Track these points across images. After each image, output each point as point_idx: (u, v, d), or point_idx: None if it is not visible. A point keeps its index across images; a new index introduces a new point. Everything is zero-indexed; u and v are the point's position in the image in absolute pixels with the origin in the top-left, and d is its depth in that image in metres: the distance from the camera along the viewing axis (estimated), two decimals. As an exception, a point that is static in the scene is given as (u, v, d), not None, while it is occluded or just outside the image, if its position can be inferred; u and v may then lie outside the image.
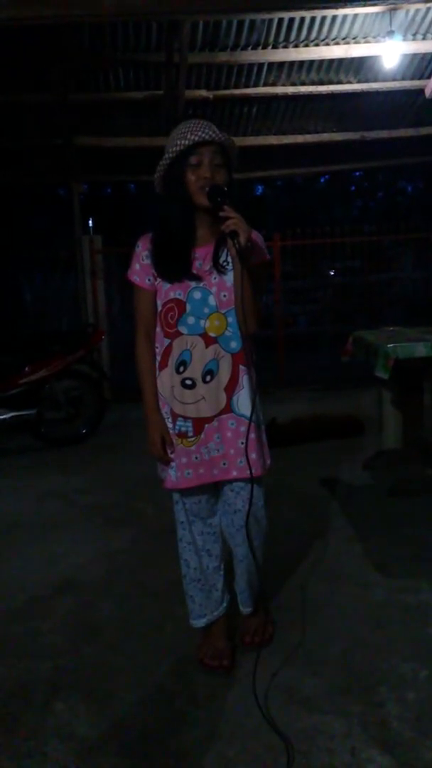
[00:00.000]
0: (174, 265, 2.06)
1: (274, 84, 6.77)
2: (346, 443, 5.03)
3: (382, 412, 4.36)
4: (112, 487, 4.39)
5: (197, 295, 2.06)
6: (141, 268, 2.11)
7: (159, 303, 2.11)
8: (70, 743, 1.93)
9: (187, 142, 1.94)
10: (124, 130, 7.54)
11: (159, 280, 2.09)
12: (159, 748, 1.88)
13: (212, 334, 2.07)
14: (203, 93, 6.69)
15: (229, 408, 2.09)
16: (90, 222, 9.24)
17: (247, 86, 6.75)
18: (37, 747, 1.92)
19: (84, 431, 5.72)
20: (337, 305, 10.08)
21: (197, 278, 2.05)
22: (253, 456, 2.09)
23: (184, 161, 1.97)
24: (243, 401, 2.10)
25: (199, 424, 2.09)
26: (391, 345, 3.46)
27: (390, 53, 5.83)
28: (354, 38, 5.97)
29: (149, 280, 2.10)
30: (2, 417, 5.27)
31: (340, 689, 2.10)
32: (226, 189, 1.96)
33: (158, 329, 2.13)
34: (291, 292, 8.22)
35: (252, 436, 2.09)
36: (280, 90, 6.81)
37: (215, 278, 2.05)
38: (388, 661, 2.23)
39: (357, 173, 18.37)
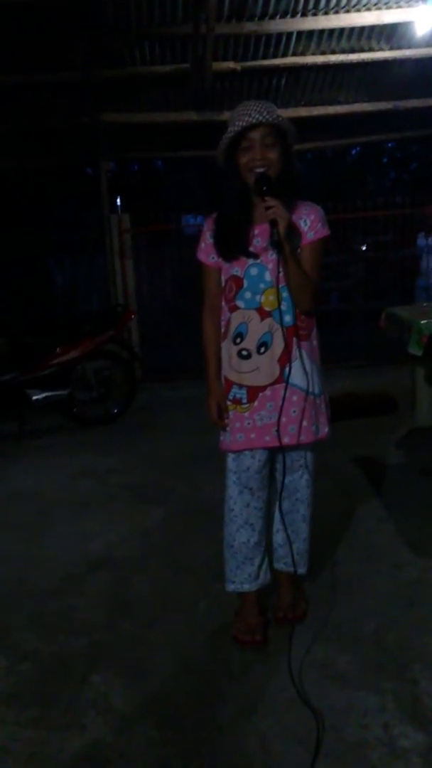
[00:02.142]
0: (232, 243, 2.16)
1: (303, 54, 6.61)
2: (379, 421, 4.99)
3: (415, 389, 4.30)
4: (144, 466, 4.43)
5: (254, 271, 2.15)
6: (206, 247, 2.25)
7: (223, 279, 2.24)
8: (107, 716, 1.97)
9: (235, 128, 2.04)
10: (151, 105, 7.46)
11: (221, 257, 2.21)
12: (194, 722, 1.91)
13: (267, 309, 2.15)
14: (231, 65, 6.56)
15: (281, 378, 2.17)
16: (118, 201, 9.22)
17: (275, 57, 6.61)
18: (75, 720, 1.97)
19: (115, 411, 5.77)
20: (370, 281, 9.92)
21: (254, 255, 2.14)
22: (303, 424, 2.19)
23: (236, 145, 2.07)
24: (296, 372, 2.18)
25: (253, 392, 2.19)
26: (425, 321, 3.40)
27: (424, 19, 5.65)
28: (386, 4, 5.78)
29: (213, 258, 2.23)
30: (35, 397, 5.34)
31: (373, 666, 2.11)
32: (270, 178, 2.04)
33: (223, 304, 2.25)
34: (322, 268, 8.16)
35: (303, 404, 2.19)
36: (309, 60, 6.65)
37: (271, 255, 2.12)
38: (420, 639, 2.23)
39: (389, 144, 17.94)
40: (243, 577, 2.31)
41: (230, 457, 2.28)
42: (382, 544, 2.97)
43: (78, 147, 8.20)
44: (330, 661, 2.14)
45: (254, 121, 2.01)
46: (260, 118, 2.01)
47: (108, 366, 5.70)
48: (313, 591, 2.57)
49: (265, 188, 2.02)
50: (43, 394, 5.36)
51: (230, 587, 2.35)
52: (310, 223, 2.14)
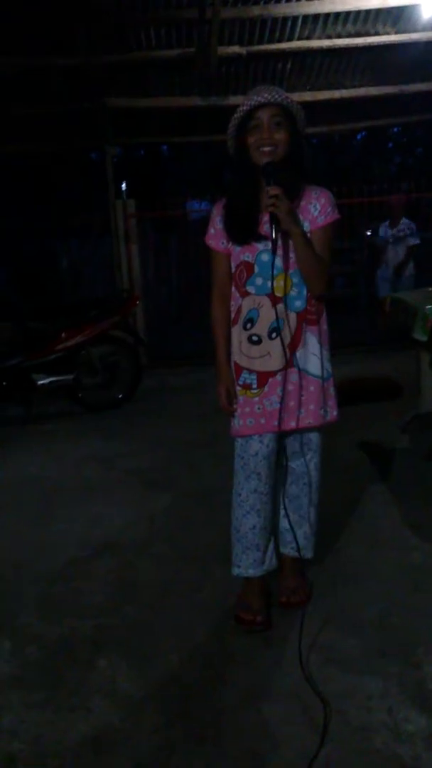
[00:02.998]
0: (242, 228, 2.17)
1: (308, 38, 6.55)
2: (383, 406, 4.98)
3: (420, 375, 4.29)
4: (149, 452, 4.44)
5: (265, 257, 2.15)
6: (215, 233, 2.24)
7: (233, 265, 2.23)
8: (112, 699, 1.99)
9: (245, 107, 2.04)
10: (156, 90, 7.41)
11: (231, 243, 2.20)
12: (199, 706, 1.93)
13: (278, 294, 2.16)
14: (236, 49, 6.51)
15: (292, 363, 2.19)
16: (123, 186, 9.19)
17: (281, 41, 6.55)
18: (81, 702, 1.98)
19: (120, 396, 5.78)
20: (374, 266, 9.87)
21: (265, 239, 2.13)
22: (311, 407, 2.22)
23: (245, 126, 2.08)
24: (306, 357, 2.21)
25: (263, 377, 2.20)
26: (430, 306, 3.38)
27: (429, 2, 5.58)
28: (392, -14, 5.73)
29: (223, 243, 2.23)
30: (41, 382, 5.35)
31: (377, 651, 2.11)
32: (276, 166, 2.04)
33: (233, 289, 2.25)
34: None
35: (311, 389, 2.22)
36: (315, 44, 6.60)
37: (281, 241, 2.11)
38: (425, 623, 2.24)
39: (395, 129, 17.82)
40: (248, 562, 2.32)
41: (238, 442, 2.28)
42: (386, 529, 2.97)
43: (83, 132, 8.15)
44: (334, 645, 2.15)
45: (264, 100, 2.02)
46: (269, 97, 2.02)
47: (113, 351, 5.70)
48: (318, 575, 2.58)
49: (271, 175, 2.03)
50: (49, 379, 5.38)
51: (235, 571, 2.36)
52: (320, 207, 2.14)
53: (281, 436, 2.29)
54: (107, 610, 2.49)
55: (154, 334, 7.79)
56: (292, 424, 2.21)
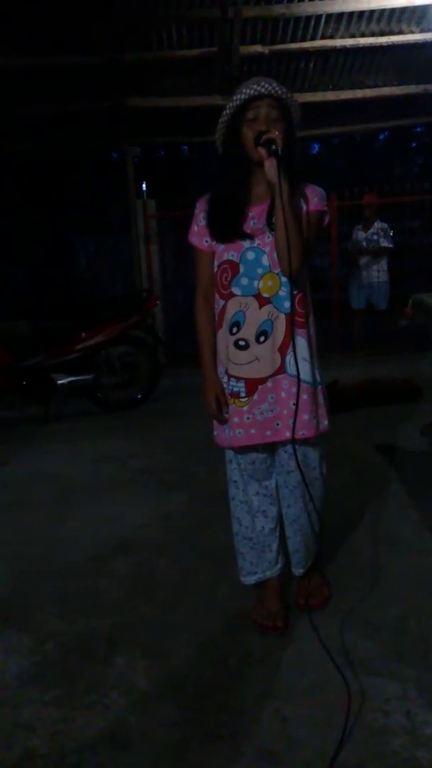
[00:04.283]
0: (226, 224, 2.06)
1: (332, 37, 6.51)
2: (403, 408, 4.94)
3: (441, 376, 4.26)
4: (166, 452, 4.44)
5: (251, 255, 2.06)
6: (199, 230, 2.14)
7: (215, 264, 2.13)
8: (129, 697, 1.99)
9: (243, 96, 1.95)
10: (177, 90, 7.41)
11: (214, 241, 2.10)
12: (215, 705, 1.92)
13: (266, 295, 2.06)
14: (258, 48, 6.49)
15: (283, 368, 2.08)
16: (143, 186, 9.22)
17: (303, 40, 6.52)
18: (98, 699, 1.99)
19: (139, 396, 5.79)
20: (397, 268, 9.79)
21: (251, 237, 2.04)
22: (305, 417, 2.07)
23: (240, 117, 1.98)
24: (297, 362, 2.06)
25: (252, 384, 2.09)
26: (452, 307, 3.35)
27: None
28: (416, -15, 5.69)
29: (206, 241, 2.13)
30: (60, 382, 5.38)
31: (395, 653, 2.10)
32: (277, 143, 1.92)
33: (215, 291, 2.15)
34: (348, 254, 8.05)
35: (305, 397, 2.07)
36: (338, 43, 6.55)
37: (269, 237, 2.03)
38: (444, 627, 2.21)
39: (418, 128, 17.64)
40: (265, 564, 2.31)
41: (233, 452, 2.21)
42: (405, 531, 2.95)
43: (104, 132, 8.19)
44: (352, 647, 2.14)
45: (263, 91, 1.93)
46: (270, 89, 1.94)
47: (132, 351, 5.72)
48: (336, 577, 2.56)
49: (273, 147, 1.90)
50: (68, 379, 5.40)
51: (252, 579, 2.32)
52: (308, 198, 2.05)
53: (274, 449, 2.21)
54: (124, 608, 2.50)
55: (173, 334, 7.80)
56: (287, 434, 2.07)
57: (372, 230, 7.36)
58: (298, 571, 2.37)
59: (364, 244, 7.39)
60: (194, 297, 2.20)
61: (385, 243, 7.31)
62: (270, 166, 1.92)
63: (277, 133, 1.92)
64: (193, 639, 2.26)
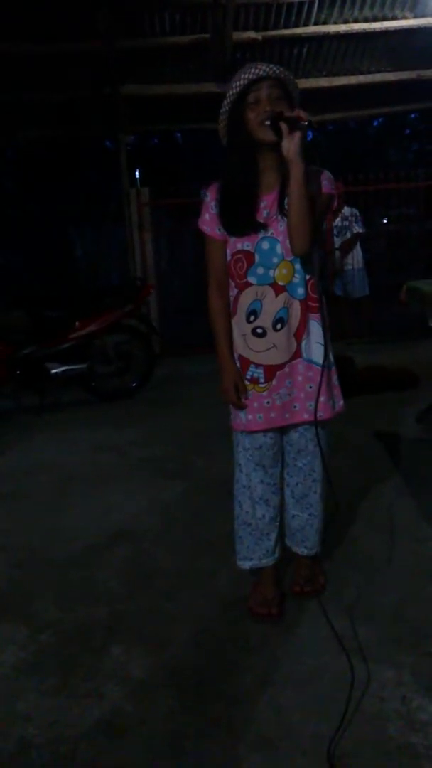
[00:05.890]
0: (239, 217, 2.06)
1: (325, 22, 6.48)
2: (399, 396, 4.95)
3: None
4: (163, 441, 4.44)
5: (265, 245, 2.07)
6: (211, 218, 2.13)
7: (228, 253, 2.13)
8: (126, 685, 2.00)
9: (242, 82, 1.95)
10: (170, 76, 7.36)
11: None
12: (212, 693, 1.93)
13: (281, 283, 2.08)
14: (251, 34, 6.45)
15: (299, 353, 2.12)
16: (137, 174, 9.16)
17: (297, 26, 6.48)
18: (94, 688, 1.99)
19: (134, 385, 5.78)
20: (391, 254, 9.79)
21: (264, 227, 2.05)
22: (321, 399, 2.12)
23: (242, 103, 1.98)
24: (311, 346, 2.12)
25: (271, 370, 2.12)
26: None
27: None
28: (411, -31, 5.64)
29: (219, 229, 2.12)
30: (55, 371, 5.36)
31: (391, 640, 2.11)
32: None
33: (230, 280, 2.16)
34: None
35: (320, 379, 2.12)
36: (331, 29, 6.52)
37: (281, 226, 2.04)
38: (440, 613, 2.22)
39: (413, 115, 17.60)
40: (261, 552, 2.31)
41: (241, 435, 2.23)
42: (402, 519, 2.96)
43: (97, 119, 8.13)
44: (348, 634, 2.14)
45: (262, 73, 1.94)
46: (266, 70, 1.94)
47: (127, 340, 5.70)
48: (333, 565, 2.57)
49: (302, 123, 1.87)
50: (63, 368, 5.39)
51: (247, 564, 2.33)
52: (320, 179, 2.04)
53: (285, 431, 2.24)
54: (122, 597, 2.50)
55: (167, 323, 7.78)
56: (305, 416, 2.14)
57: (339, 218, 7.20)
58: (301, 550, 2.37)
59: (335, 233, 7.26)
60: (207, 286, 2.19)
61: (356, 228, 7.14)
62: (290, 143, 1.89)
63: (297, 110, 1.90)
64: (191, 627, 2.27)
